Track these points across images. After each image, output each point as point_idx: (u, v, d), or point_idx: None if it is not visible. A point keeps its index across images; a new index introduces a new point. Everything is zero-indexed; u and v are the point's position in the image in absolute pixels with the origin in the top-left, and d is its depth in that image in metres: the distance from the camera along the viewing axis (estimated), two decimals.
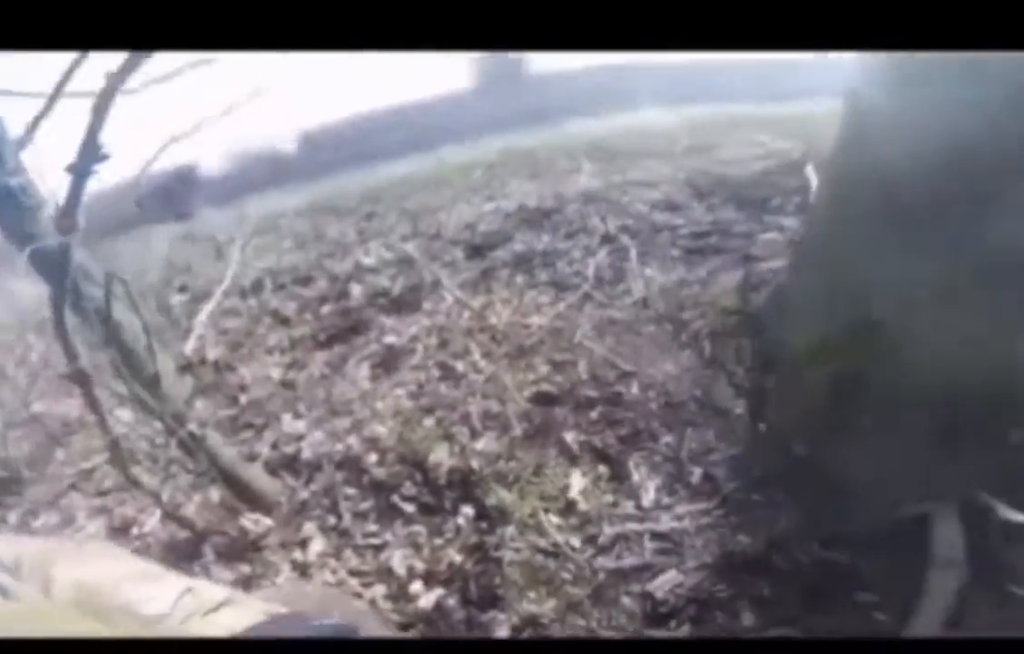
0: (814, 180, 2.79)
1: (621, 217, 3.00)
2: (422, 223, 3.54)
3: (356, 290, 3.01)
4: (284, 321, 2.94)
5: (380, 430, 2.07)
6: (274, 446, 2.10)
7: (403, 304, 2.82)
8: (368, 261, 3.29)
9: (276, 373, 2.57)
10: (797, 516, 1.37)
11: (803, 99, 3.71)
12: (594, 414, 1.81)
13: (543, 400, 1.92)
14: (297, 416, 2.26)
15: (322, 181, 4.53)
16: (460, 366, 2.27)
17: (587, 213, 3.13)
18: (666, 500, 1.49)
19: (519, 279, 2.75)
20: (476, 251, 3.08)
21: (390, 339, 2.58)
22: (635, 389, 1.87)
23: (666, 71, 4.37)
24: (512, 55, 5.38)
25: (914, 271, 1.47)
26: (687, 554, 1.35)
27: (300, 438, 2.13)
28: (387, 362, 2.46)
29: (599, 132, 4.31)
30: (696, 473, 1.56)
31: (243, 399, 2.43)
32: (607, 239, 2.84)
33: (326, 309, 2.93)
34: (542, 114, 4.70)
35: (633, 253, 2.65)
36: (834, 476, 1.42)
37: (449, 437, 1.94)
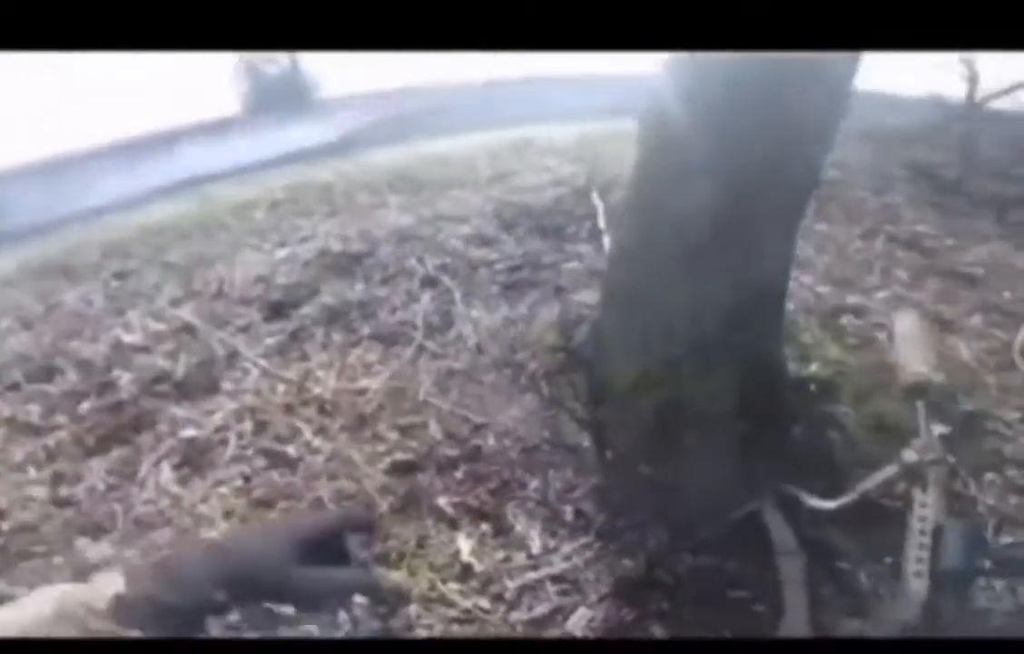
0: (600, 206, 3.26)
1: (438, 255, 3.09)
2: (196, 280, 3.21)
3: (124, 377, 2.63)
4: (29, 429, 2.45)
5: (215, 534, 1.90)
6: (77, 573, 1.79)
7: (194, 387, 2.53)
8: (131, 338, 2.89)
9: (40, 491, 2.15)
10: (661, 532, 1.66)
11: (581, 120, 4.22)
12: (459, 474, 1.89)
13: (402, 469, 1.93)
14: (95, 535, 1.95)
15: (40, 236, 3.82)
16: (291, 450, 2.14)
17: (402, 254, 3.14)
18: (551, 543, 1.67)
19: (336, 337, 2.67)
20: (277, 310, 2.90)
21: (189, 432, 2.30)
22: (492, 440, 1.99)
23: (458, 95, 4.63)
24: (290, 74, 5.14)
25: (711, 294, 1.86)
26: (587, 589, 1.53)
27: (109, 562, 1.84)
28: (192, 459, 2.21)
29: (399, 162, 4.31)
30: (568, 511, 1.75)
31: (4, 526, 2.00)
32: (429, 281, 2.91)
33: (86, 406, 2.50)
34: (333, 142, 4.57)
35: (457, 295, 2.77)
36: (676, 491, 1.74)
37: None
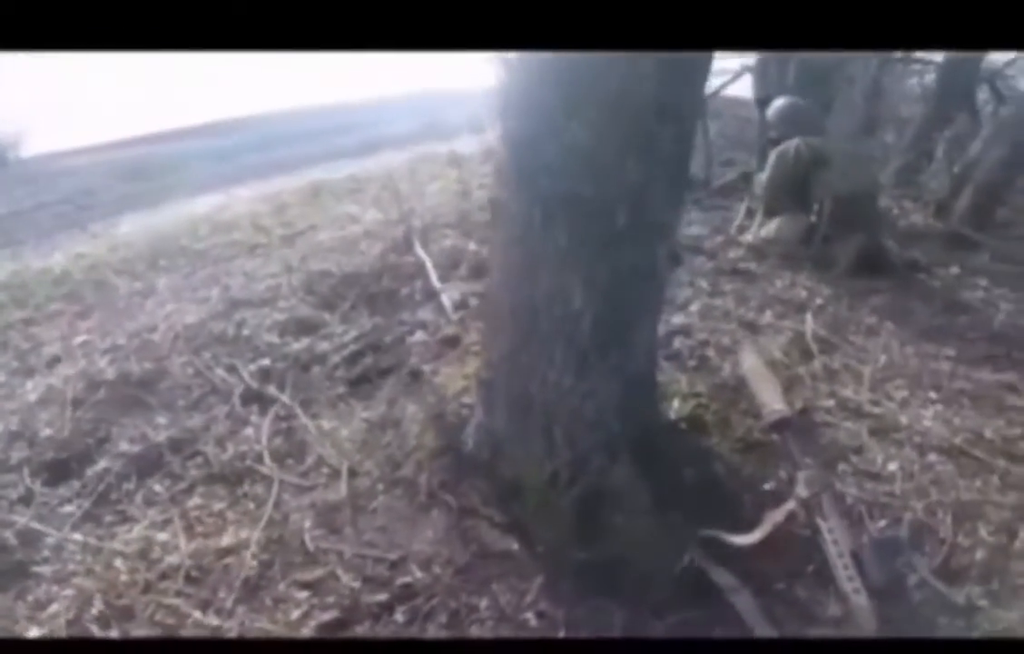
0: (427, 261, 3.55)
1: (251, 357, 3.08)
2: None
3: None
4: None
5: None
6: None
7: None
8: None
9: None
10: (621, 607, 2.07)
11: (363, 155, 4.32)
12: (399, 616, 2.09)
13: (333, 627, 2.07)
14: None
15: None
16: (183, 633, 2.09)
17: (203, 364, 3.05)
18: None
19: (158, 489, 2.63)
20: (58, 471, 2.74)
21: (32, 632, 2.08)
22: (417, 572, 2.21)
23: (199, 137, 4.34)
24: None
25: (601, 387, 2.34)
26: None
27: None
28: None
29: (153, 228, 3.96)
30: (531, 617, 2.07)
31: None
32: (252, 396, 2.93)
33: None
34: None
35: (297, 408, 2.86)
36: (619, 565, 2.19)
37: None
